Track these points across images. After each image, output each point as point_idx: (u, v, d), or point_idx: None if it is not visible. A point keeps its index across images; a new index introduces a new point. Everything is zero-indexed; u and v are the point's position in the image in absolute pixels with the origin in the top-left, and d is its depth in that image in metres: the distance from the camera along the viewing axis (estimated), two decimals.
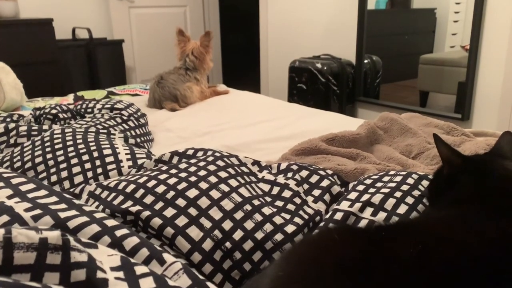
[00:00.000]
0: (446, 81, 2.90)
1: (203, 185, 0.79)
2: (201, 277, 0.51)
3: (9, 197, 0.61)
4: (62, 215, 0.57)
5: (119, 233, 0.57)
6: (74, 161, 0.99)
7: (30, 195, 0.63)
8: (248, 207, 0.78)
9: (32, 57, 2.98)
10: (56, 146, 1.04)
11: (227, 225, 0.73)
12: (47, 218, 0.56)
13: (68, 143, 1.04)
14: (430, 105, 2.97)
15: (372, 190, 0.85)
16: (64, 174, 0.97)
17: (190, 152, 0.99)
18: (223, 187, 0.81)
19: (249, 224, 0.75)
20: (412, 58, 3.06)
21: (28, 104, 2.08)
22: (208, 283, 0.51)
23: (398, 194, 0.82)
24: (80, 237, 0.53)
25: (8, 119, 1.44)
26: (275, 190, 0.89)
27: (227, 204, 0.77)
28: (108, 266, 0.46)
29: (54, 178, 0.97)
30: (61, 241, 0.45)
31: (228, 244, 0.71)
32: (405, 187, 0.83)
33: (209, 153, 0.95)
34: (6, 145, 1.17)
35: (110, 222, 0.59)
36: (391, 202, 0.80)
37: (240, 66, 5.39)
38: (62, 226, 0.56)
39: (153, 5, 3.98)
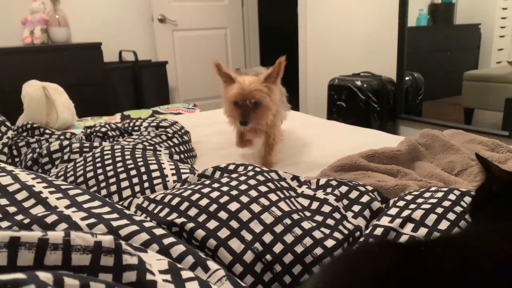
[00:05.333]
0: (492, 97, 2.82)
1: (244, 198, 0.82)
2: (243, 284, 0.54)
3: (67, 207, 0.67)
4: (115, 223, 0.62)
5: (166, 241, 0.61)
6: (123, 175, 1.05)
7: (85, 205, 0.68)
8: (287, 221, 0.79)
9: (82, 79, 3.16)
10: (106, 162, 1.10)
11: (268, 238, 0.75)
12: (101, 226, 0.61)
13: (117, 159, 1.10)
14: (475, 123, 2.89)
15: (413, 206, 0.85)
16: (113, 188, 1.03)
17: (231, 167, 1.02)
18: (263, 201, 0.83)
19: (289, 238, 0.76)
20: (455, 75, 3.00)
21: (78, 123, 2.20)
22: None
23: (439, 210, 0.81)
24: None
25: (62, 137, 1.53)
26: (315, 205, 0.90)
27: (267, 218, 0.79)
28: (156, 269, 0.49)
29: (104, 192, 1.03)
30: (114, 245, 0.48)
31: (268, 257, 0.72)
32: (446, 203, 0.83)
33: (250, 168, 0.98)
34: (60, 161, 1.25)
35: (158, 231, 0.63)
36: (432, 218, 0.79)
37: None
38: (114, 234, 0.60)
39: (196, 28, 4.12)
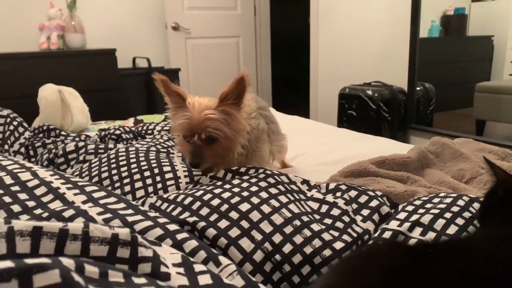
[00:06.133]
0: (504, 109, 2.81)
1: (255, 200, 0.84)
2: (253, 279, 0.55)
3: (84, 202, 0.69)
4: (130, 219, 0.64)
5: (179, 236, 0.63)
6: (137, 176, 1.07)
7: (101, 201, 0.70)
8: (297, 222, 0.81)
9: (96, 84, 3.20)
10: (121, 163, 1.12)
11: (277, 238, 0.76)
12: (117, 221, 0.63)
13: (132, 160, 1.13)
14: (487, 134, 2.88)
15: (421, 210, 0.86)
16: (127, 188, 1.05)
17: (242, 169, 1.04)
18: (274, 202, 0.84)
19: (298, 239, 0.77)
20: (467, 86, 3.00)
21: (92, 126, 2.24)
22: (260, 284, 0.54)
23: (448, 215, 0.82)
24: None
25: (77, 139, 1.57)
26: (324, 208, 0.91)
27: (277, 219, 0.80)
28: (170, 262, 0.51)
29: (118, 192, 1.05)
30: (130, 238, 0.50)
31: (277, 257, 0.74)
32: (455, 209, 0.83)
33: (261, 170, 1.00)
34: (76, 162, 1.28)
35: (172, 227, 0.65)
36: (440, 222, 0.80)
37: (290, 92, 5.47)
38: (129, 228, 0.62)
39: (209, 36, 4.16)
